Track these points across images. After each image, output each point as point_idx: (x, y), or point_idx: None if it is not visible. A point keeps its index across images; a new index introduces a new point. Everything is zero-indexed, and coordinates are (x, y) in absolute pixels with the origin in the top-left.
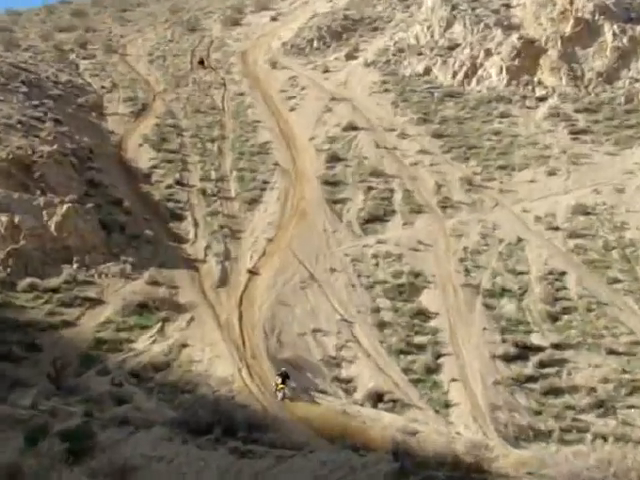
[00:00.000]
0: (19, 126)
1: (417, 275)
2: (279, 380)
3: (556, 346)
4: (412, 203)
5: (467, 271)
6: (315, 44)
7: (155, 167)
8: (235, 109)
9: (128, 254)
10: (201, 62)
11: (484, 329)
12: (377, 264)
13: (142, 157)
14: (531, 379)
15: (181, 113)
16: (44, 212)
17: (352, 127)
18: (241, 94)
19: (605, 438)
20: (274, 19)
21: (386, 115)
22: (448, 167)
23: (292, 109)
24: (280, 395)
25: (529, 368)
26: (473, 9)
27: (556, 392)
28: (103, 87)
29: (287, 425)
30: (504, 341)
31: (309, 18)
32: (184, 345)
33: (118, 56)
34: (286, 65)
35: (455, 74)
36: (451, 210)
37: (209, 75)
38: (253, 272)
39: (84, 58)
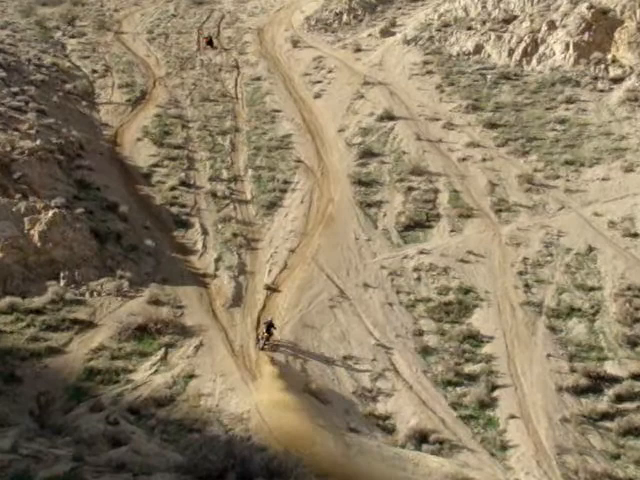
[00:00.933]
0: None
1: (467, 291)
2: (264, 328)
3: (636, 376)
4: (461, 206)
5: (527, 286)
6: (345, 18)
7: (156, 165)
8: (250, 96)
9: (125, 268)
10: (209, 41)
11: (548, 356)
12: (419, 278)
13: (141, 154)
14: (606, 416)
15: (187, 101)
16: (26, 219)
17: (389, 116)
18: (257, 78)
19: None
20: None
21: (429, 102)
22: (504, 163)
23: (317, 96)
24: (260, 344)
25: (603, 403)
26: None
27: (637, 432)
28: (94, 71)
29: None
30: (573, 370)
31: None
32: (191, 376)
33: (112, 34)
34: (310, 44)
35: (512, 52)
36: (507, 214)
37: (219, 56)
38: (272, 289)
39: (72, 37)
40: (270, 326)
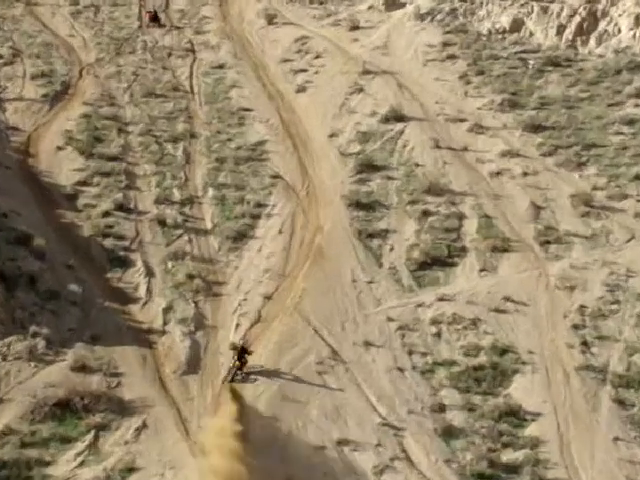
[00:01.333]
0: None
1: (504, 352)
2: (235, 356)
3: None
4: (494, 236)
5: (585, 345)
6: None
7: (84, 183)
8: (211, 90)
9: (41, 323)
10: (154, 16)
11: (616, 439)
12: (439, 334)
13: (63, 167)
14: None
15: (125, 97)
16: None
17: (397, 117)
18: (220, 66)
19: None
20: None
21: (451, 97)
22: (552, 178)
23: (301, 89)
24: (229, 375)
25: None
26: None
27: None
28: None
29: None
30: None
31: None
32: (131, 469)
33: (22, 5)
34: (291, 19)
35: (562, 29)
36: (557, 247)
37: (168, 36)
38: (241, 349)
39: None
40: (243, 352)
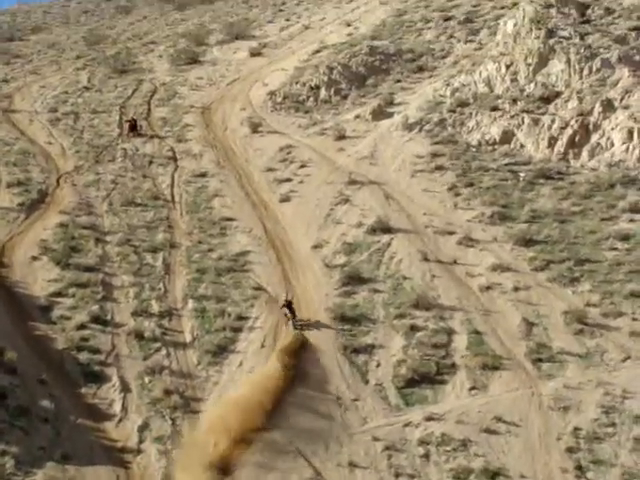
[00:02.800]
0: None
1: (495, 475)
2: (287, 311)
3: None
4: (485, 353)
5: (580, 470)
6: (323, 94)
7: (59, 294)
8: (192, 199)
9: (10, 441)
10: (134, 125)
11: None
12: (427, 456)
13: (38, 278)
14: None
15: (103, 206)
16: None
17: (383, 228)
18: (202, 175)
19: None
20: (256, 54)
21: (440, 208)
22: (544, 294)
23: (285, 199)
24: (290, 326)
25: None
26: (582, 36)
27: None
28: None
29: None
30: None
31: (313, 52)
32: None
33: None
34: (276, 128)
35: (553, 142)
36: (550, 366)
37: (150, 144)
38: (219, 469)
39: None
40: (290, 305)
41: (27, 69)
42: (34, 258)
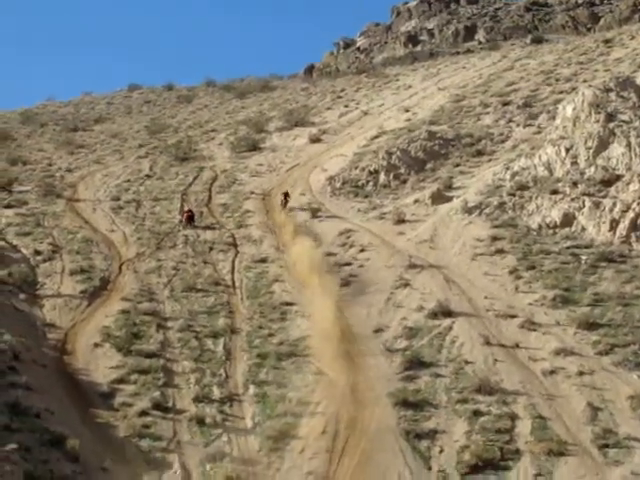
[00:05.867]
0: None
1: None
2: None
3: None
4: (549, 439)
5: None
6: (382, 179)
7: (121, 381)
8: (253, 284)
9: None
10: (190, 216)
11: None
12: None
13: (100, 365)
14: None
15: (164, 292)
16: None
17: (444, 312)
18: (262, 260)
19: None
20: (315, 140)
21: (501, 292)
22: (609, 378)
23: (345, 283)
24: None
25: None
26: None
27: None
28: (38, 252)
29: None
30: None
31: (371, 138)
32: None
33: (64, 202)
34: (335, 212)
35: (615, 225)
36: (617, 452)
37: (210, 230)
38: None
39: (7, 206)
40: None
41: (90, 158)
42: (96, 345)
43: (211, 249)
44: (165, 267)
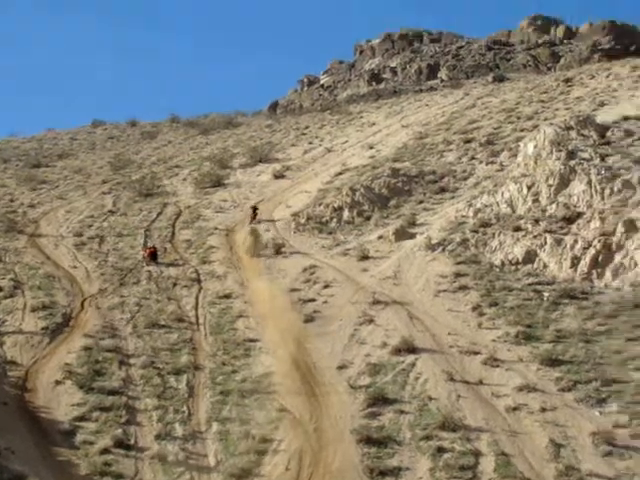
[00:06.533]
0: None
1: None
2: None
3: None
4: (512, 476)
5: None
6: (346, 215)
7: (82, 418)
8: (216, 321)
9: None
10: (153, 253)
11: None
12: None
13: (61, 402)
14: None
15: (127, 328)
16: None
17: (408, 348)
18: (226, 296)
19: None
20: (279, 176)
21: (464, 328)
22: (571, 415)
23: (309, 319)
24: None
25: None
26: (603, 157)
27: None
28: None
29: None
30: None
31: (335, 175)
32: None
33: (26, 238)
34: (299, 249)
35: (576, 262)
36: None
37: (174, 266)
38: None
39: None
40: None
41: (53, 194)
42: (58, 382)
43: (175, 285)
44: (128, 303)
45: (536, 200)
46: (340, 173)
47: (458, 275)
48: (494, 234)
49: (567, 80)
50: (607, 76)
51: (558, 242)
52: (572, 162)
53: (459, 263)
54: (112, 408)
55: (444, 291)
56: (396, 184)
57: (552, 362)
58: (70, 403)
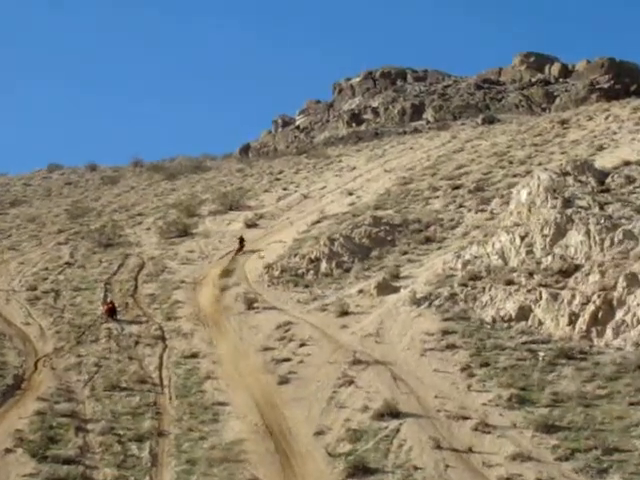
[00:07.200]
0: None
1: None
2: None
3: None
4: None
5: None
6: (323, 267)
7: None
8: (182, 382)
9: None
10: (112, 310)
11: None
12: None
13: (11, 473)
14: None
15: (85, 391)
16: None
17: (391, 412)
18: (193, 355)
19: None
20: (251, 225)
21: (452, 391)
22: None
23: (284, 381)
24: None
25: None
26: (602, 205)
27: None
28: None
29: None
30: None
31: (312, 223)
32: None
33: None
34: (273, 303)
35: (574, 319)
36: None
37: (136, 323)
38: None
39: None
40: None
41: (5, 245)
42: (8, 450)
43: (137, 343)
44: (86, 363)
45: (530, 251)
46: (317, 221)
47: (446, 332)
48: (484, 288)
49: (563, 122)
50: (606, 118)
51: (554, 297)
52: (569, 210)
53: (447, 319)
54: (67, 479)
55: (431, 350)
56: (378, 233)
57: (548, 428)
58: (21, 474)
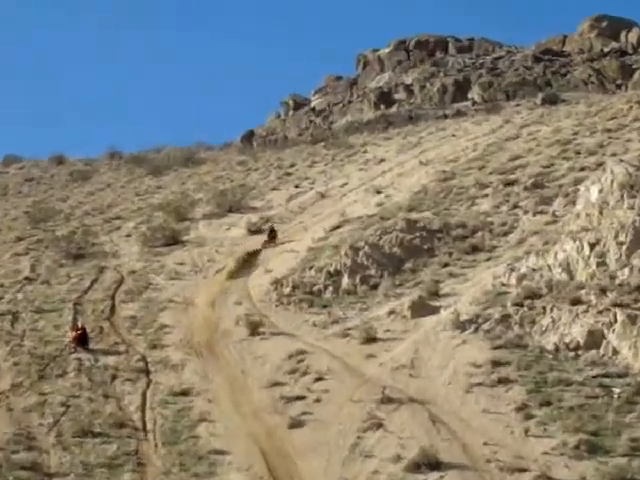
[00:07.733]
0: None
1: None
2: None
3: None
4: None
5: None
6: (345, 283)
7: None
8: (170, 426)
9: None
10: (83, 336)
11: None
12: None
13: None
14: None
15: (49, 438)
16: None
17: (429, 463)
18: (183, 393)
19: None
20: (256, 231)
21: (506, 436)
22: None
23: (297, 424)
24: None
25: None
26: None
27: None
28: None
29: None
30: None
31: (331, 228)
32: None
33: None
34: (282, 328)
35: None
36: None
37: (113, 353)
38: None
39: None
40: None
41: None
42: None
43: (114, 378)
44: (51, 403)
45: (602, 263)
46: (337, 226)
47: (497, 364)
48: (545, 309)
49: None
50: None
51: (632, 320)
52: None
53: (498, 347)
54: None
55: (478, 385)
56: (412, 241)
57: None
58: None
